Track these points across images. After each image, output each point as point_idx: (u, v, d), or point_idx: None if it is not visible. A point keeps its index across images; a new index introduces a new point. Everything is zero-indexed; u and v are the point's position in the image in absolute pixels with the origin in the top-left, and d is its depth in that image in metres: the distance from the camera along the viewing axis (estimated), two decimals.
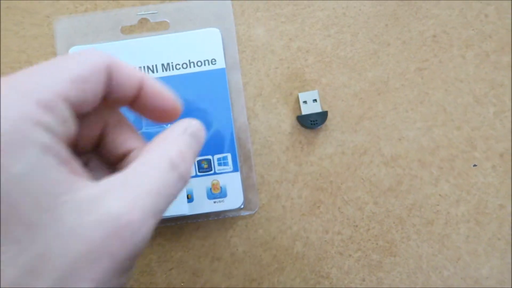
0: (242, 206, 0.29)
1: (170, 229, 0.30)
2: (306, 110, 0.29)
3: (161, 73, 0.30)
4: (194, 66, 0.29)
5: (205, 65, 0.29)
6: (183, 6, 0.30)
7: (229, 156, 0.29)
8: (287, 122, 0.30)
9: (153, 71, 0.30)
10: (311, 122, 0.29)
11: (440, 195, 0.30)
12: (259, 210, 0.30)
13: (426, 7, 0.30)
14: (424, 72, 0.30)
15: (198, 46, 0.30)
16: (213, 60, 0.30)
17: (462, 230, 0.30)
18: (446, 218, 0.30)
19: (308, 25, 0.31)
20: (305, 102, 0.29)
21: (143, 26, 0.31)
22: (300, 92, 0.30)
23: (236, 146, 0.29)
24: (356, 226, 0.30)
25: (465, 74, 0.30)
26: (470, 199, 0.30)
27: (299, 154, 0.30)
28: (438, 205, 0.30)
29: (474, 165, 0.30)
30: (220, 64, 0.29)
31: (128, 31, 0.31)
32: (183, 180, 0.17)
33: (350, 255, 0.30)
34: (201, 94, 0.29)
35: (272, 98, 0.30)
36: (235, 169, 0.29)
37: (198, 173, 0.29)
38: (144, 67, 0.30)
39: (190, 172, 0.18)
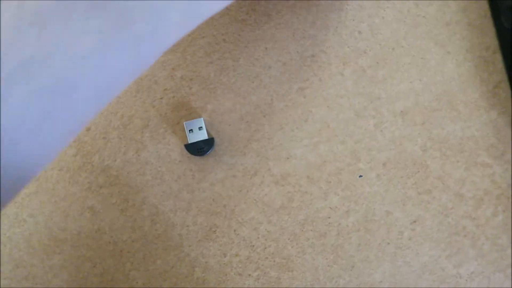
0: None
1: (66, 268, 0.30)
2: (192, 138, 0.30)
3: None
4: None
5: None
6: None
7: None
8: (176, 151, 0.31)
9: None
10: (198, 150, 0.30)
11: (330, 208, 0.31)
12: (155, 240, 0.30)
13: (303, 28, 0.32)
14: (306, 91, 0.31)
15: None
16: None
17: (353, 239, 0.31)
18: (337, 229, 0.31)
19: (190, 53, 0.31)
20: (191, 130, 0.30)
21: None
22: (185, 120, 0.30)
23: None
24: (253, 246, 0.31)
25: (344, 90, 0.32)
26: (359, 208, 0.31)
27: (191, 181, 0.30)
28: (329, 217, 0.31)
29: (360, 176, 0.31)
30: None
31: None
32: None
33: (249, 275, 0.31)
34: None
35: (159, 128, 0.31)
36: None
37: None
38: None
39: None
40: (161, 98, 0.31)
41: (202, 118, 0.30)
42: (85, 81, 0.17)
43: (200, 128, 0.30)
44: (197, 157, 0.31)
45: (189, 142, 0.30)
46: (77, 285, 0.30)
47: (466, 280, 0.31)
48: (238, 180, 0.31)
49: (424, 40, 0.32)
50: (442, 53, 0.32)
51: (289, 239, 0.31)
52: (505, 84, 0.31)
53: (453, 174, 0.32)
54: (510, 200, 0.31)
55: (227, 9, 0.31)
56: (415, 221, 0.31)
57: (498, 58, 0.31)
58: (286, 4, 0.32)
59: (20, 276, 0.29)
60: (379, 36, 0.32)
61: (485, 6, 0.31)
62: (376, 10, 0.32)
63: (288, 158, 0.31)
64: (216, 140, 0.30)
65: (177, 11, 0.18)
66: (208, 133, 0.30)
